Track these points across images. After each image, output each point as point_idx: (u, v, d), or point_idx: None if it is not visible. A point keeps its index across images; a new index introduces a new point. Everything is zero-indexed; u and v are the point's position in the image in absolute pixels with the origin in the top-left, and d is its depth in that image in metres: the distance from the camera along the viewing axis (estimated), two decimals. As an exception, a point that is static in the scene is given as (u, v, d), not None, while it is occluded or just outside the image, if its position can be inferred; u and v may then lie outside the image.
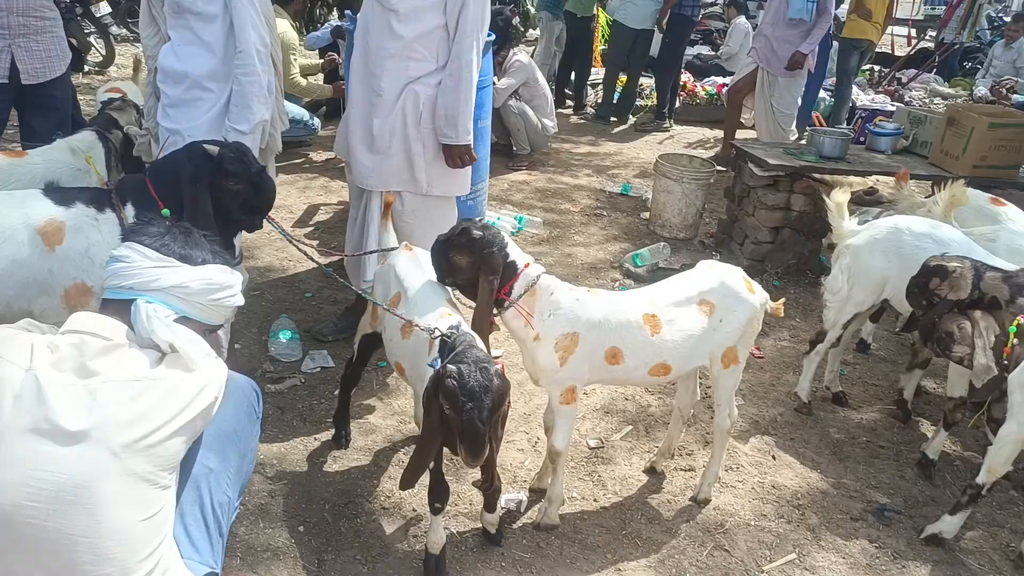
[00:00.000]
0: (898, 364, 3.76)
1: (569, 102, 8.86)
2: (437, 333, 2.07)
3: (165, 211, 2.08)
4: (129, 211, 2.20)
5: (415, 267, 2.41)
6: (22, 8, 3.36)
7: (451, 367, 1.88)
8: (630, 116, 8.41)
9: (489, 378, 1.88)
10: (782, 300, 2.65)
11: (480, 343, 2.09)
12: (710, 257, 4.86)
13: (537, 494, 2.67)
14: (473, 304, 2.29)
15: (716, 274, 2.51)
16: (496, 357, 2.61)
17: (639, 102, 8.63)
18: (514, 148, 6.46)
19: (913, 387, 3.35)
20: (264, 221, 2.44)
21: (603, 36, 9.28)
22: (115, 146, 3.10)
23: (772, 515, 2.71)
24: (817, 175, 4.55)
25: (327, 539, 2.41)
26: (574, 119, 8.41)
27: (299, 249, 2.57)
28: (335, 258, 4.17)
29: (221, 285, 1.69)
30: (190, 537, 1.72)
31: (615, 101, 8.36)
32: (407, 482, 2.10)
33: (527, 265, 2.29)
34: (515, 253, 2.27)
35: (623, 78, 8.37)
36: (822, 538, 2.62)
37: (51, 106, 3.66)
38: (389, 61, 2.85)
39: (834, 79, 8.05)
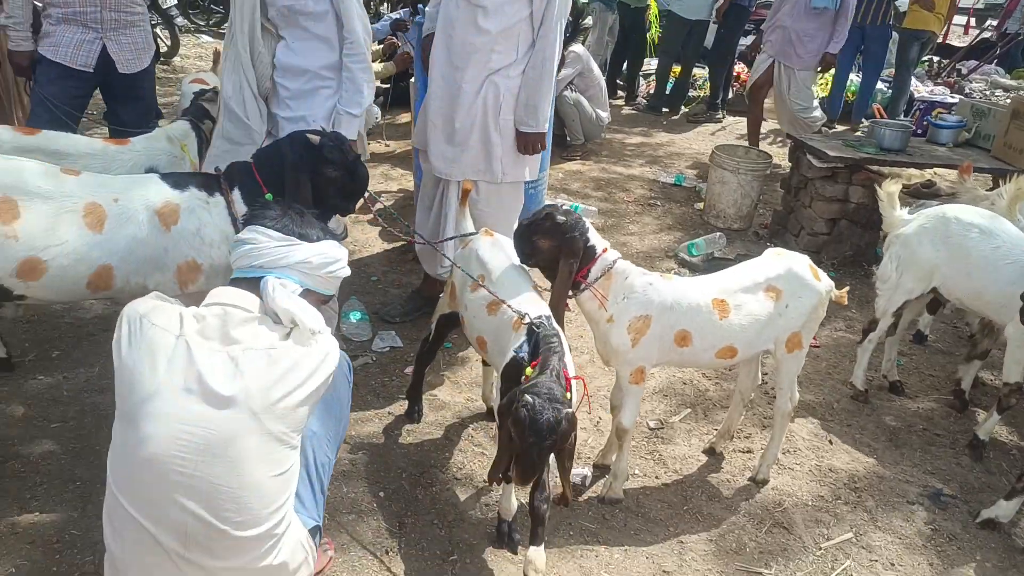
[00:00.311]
0: (955, 355, 3.80)
1: (621, 92, 8.92)
2: (528, 319, 2.19)
3: (268, 196, 2.25)
4: (236, 195, 2.38)
5: (497, 251, 2.55)
6: (114, 4, 3.57)
7: (528, 398, 1.89)
8: (682, 107, 8.44)
9: (558, 420, 1.89)
10: (846, 288, 2.72)
11: (563, 340, 2.17)
12: (764, 248, 4.92)
13: (600, 470, 2.80)
14: (550, 286, 2.42)
15: (783, 261, 2.60)
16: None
17: (692, 93, 8.65)
18: (568, 138, 6.56)
19: (971, 378, 3.40)
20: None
21: (652, 25, 9.29)
22: (207, 135, 3.29)
23: (829, 496, 2.80)
24: (876, 167, 4.57)
25: (406, 504, 2.58)
26: (626, 110, 8.47)
27: (408, 230, 2.74)
28: (399, 243, 4.35)
29: (335, 258, 1.87)
30: (298, 493, 1.89)
31: (667, 92, 8.39)
32: (492, 476, 2.16)
33: (605, 250, 2.42)
34: (595, 238, 2.40)
35: (676, 69, 8.39)
36: (879, 519, 2.70)
37: (139, 96, 3.88)
38: (474, 55, 2.98)
39: (892, 70, 7.95)
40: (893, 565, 2.51)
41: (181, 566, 1.63)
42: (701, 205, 5.58)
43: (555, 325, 2.23)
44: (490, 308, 2.40)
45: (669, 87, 8.40)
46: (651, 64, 9.05)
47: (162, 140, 3.13)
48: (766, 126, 7.80)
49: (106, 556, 1.73)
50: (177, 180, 2.39)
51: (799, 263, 2.62)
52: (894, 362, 3.52)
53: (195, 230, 2.34)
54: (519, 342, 2.20)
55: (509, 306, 2.27)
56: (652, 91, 8.63)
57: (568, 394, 2.02)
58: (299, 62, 2.80)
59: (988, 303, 3.02)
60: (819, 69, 6.13)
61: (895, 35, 7.79)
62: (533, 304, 2.32)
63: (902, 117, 7.15)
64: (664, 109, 8.35)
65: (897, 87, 7.64)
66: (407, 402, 3.04)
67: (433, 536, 2.45)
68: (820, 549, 2.55)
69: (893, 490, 2.85)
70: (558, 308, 2.33)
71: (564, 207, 2.43)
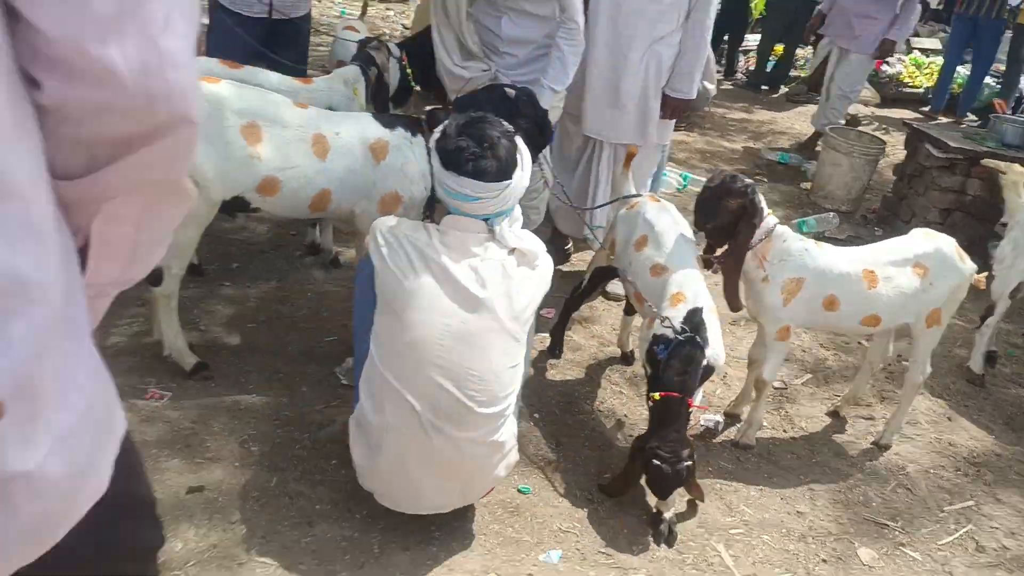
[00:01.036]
0: (1069, 351, 3.88)
1: (719, 67, 8.91)
2: (667, 323, 2.35)
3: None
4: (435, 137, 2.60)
5: (664, 214, 2.73)
6: None
7: (658, 463, 2.25)
8: (782, 86, 8.42)
9: (681, 473, 2.27)
10: (984, 274, 2.85)
11: (710, 334, 2.38)
12: (873, 232, 5.01)
13: (730, 418, 3.01)
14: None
15: (932, 241, 2.74)
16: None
17: (792, 72, 8.61)
18: (673, 109, 6.64)
19: (1088, 372, 3.50)
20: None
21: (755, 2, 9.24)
22: (371, 81, 3.53)
23: (949, 467, 2.96)
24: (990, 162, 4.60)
25: (559, 427, 2.82)
26: (725, 85, 8.48)
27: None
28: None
29: (530, 166, 2.10)
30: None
31: (768, 70, 8.37)
32: (613, 493, 2.47)
33: (769, 214, 2.59)
34: (763, 203, 2.57)
35: (779, 48, 8.36)
36: (998, 493, 2.85)
37: (298, 40, 4.11)
38: (643, 23, 3.14)
39: (1001, 66, 7.81)
40: (1013, 534, 2.66)
41: (430, 433, 1.93)
42: (808, 185, 5.66)
43: (702, 335, 2.35)
44: (653, 271, 2.59)
45: (770, 65, 8.39)
46: (751, 40, 9.03)
47: (339, 82, 3.36)
48: (864, 110, 7.80)
49: (355, 427, 2.07)
50: (387, 120, 2.63)
51: (947, 244, 2.76)
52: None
53: (400, 166, 2.58)
54: (662, 335, 2.37)
55: (657, 315, 2.40)
56: (752, 68, 8.63)
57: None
58: (525, 34, 2.98)
59: None
60: (876, 56, 5.87)
61: (1007, 31, 7.63)
62: (693, 283, 2.48)
63: (1011, 114, 7.06)
64: (763, 87, 8.35)
65: (1008, 83, 7.52)
66: (549, 338, 3.28)
67: (586, 456, 2.70)
68: (943, 512, 2.72)
69: (1011, 468, 2.99)
70: (737, 265, 2.52)
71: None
